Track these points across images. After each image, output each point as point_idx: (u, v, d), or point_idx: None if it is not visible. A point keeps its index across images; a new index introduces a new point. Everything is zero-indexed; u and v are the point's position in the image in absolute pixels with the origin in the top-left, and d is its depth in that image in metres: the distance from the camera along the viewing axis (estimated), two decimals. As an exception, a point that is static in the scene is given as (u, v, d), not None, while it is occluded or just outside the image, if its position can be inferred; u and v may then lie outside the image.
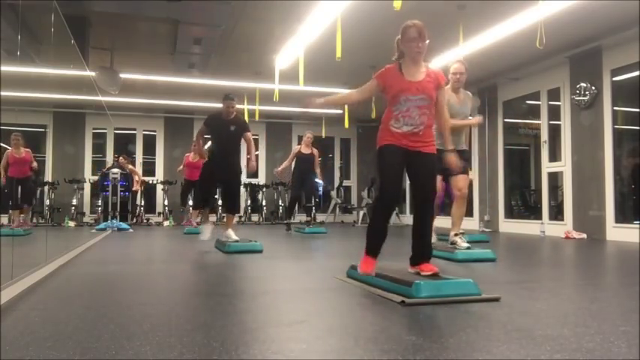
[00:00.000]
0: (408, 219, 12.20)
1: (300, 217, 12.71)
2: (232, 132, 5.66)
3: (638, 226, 6.65)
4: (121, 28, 7.09)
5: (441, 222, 5.10)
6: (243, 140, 5.91)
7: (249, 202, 12.35)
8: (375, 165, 3.13)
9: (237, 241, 5.41)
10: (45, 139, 11.88)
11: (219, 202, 10.47)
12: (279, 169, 8.79)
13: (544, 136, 8.49)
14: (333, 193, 13.02)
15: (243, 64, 8.60)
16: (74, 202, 11.09)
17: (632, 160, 7.28)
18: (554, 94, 8.31)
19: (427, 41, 3.01)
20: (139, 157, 12.44)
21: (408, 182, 3.19)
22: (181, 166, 9.99)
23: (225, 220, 6.46)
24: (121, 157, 10.98)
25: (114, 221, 9.52)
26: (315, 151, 8.62)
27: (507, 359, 1.71)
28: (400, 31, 3.05)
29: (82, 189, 11.45)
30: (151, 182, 11.94)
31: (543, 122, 8.53)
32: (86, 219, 11.30)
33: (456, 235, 4.83)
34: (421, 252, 3.05)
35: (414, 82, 3.00)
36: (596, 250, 6.03)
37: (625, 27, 6.57)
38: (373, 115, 8.79)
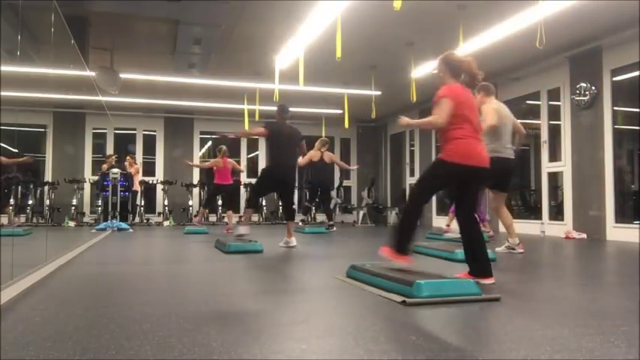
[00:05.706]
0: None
1: (299, 217, 12.78)
2: None
3: (638, 226, 6.65)
4: (121, 28, 7.09)
5: (439, 222, 5.08)
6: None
7: (248, 202, 12.32)
8: None
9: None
10: (45, 139, 11.88)
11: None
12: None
13: (544, 136, 8.48)
14: (333, 193, 13.01)
15: (243, 64, 8.59)
16: (74, 202, 11.09)
17: None
18: (554, 94, 8.31)
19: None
20: (139, 157, 12.44)
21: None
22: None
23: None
24: (128, 157, 11.00)
25: (114, 221, 9.51)
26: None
27: (507, 359, 1.71)
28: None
29: (82, 189, 11.46)
30: (151, 182, 11.93)
31: (543, 122, 8.53)
32: (86, 219, 11.30)
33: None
34: None
35: None
36: (596, 250, 6.03)
37: (625, 27, 6.57)
38: (373, 115, 8.79)
